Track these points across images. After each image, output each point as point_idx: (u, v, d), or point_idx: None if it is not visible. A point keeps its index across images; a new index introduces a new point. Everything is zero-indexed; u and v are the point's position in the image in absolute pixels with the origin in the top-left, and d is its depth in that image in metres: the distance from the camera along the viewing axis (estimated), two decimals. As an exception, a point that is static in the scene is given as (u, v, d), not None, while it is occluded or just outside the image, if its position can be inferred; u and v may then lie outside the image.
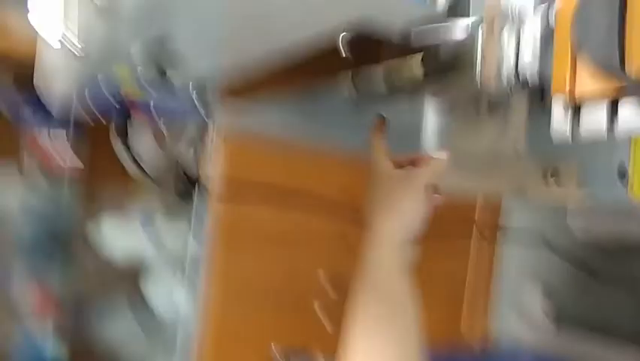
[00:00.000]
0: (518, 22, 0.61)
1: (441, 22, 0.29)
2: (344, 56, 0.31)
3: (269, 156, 1.28)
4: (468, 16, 0.29)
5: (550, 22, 0.59)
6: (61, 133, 1.08)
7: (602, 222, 1.00)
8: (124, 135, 0.63)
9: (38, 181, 1.10)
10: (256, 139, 1.07)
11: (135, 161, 0.67)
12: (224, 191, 1.23)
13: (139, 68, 0.39)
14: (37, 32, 0.60)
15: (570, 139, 0.54)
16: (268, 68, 0.42)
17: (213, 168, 1.23)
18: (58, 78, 0.58)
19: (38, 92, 0.92)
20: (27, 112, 1.10)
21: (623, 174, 0.76)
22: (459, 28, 0.29)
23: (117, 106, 0.61)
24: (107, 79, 0.53)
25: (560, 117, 0.55)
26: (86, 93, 0.61)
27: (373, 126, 0.59)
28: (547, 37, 0.60)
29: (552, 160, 0.71)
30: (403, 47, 0.31)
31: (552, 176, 0.72)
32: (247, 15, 0.30)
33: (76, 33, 0.31)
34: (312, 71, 0.44)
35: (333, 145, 0.74)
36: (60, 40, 0.30)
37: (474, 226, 1.51)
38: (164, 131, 1.31)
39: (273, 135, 0.70)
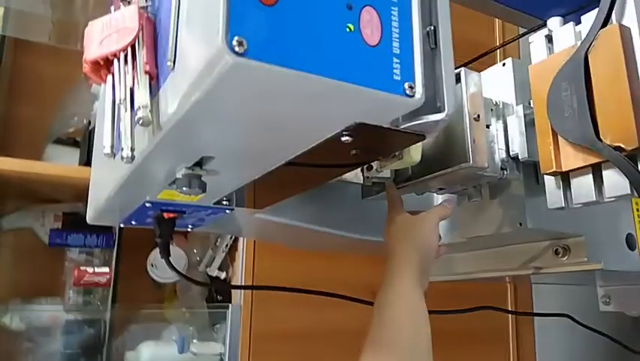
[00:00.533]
0: (502, 112, 0.69)
1: (422, 109, 0.35)
2: (347, 143, 0.37)
3: (291, 259, 1.34)
4: (443, 103, 0.35)
5: (531, 109, 0.66)
6: (103, 263, 1.17)
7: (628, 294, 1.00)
8: (167, 251, 0.69)
9: (78, 305, 1.15)
10: (280, 244, 1.13)
11: (180, 274, 0.72)
12: (251, 296, 1.26)
13: (184, 188, 0.46)
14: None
15: (566, 207, 0.58)
16: (283, 171, 0.49)
17: (241, 274, 1.28)
18: (104, 206, 0.64)
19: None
20: (72, 246, 1.19)
21: (632, 246, 0.78)
22: (439, 115, 0.35)
23: (160, 225, 0.68)
24: (152, 199, 0.60)
25: (552, 190, 0.60)
26: (131, 215, 0.68)
27: (389, 187, 0.69)
28: (531, 122, 0.66)
29: (560, 236, 0.74)
30: (399, 133, 0.37)
31: (562, 252, 0.74)
32: (264, 130, 0.37)
33: (128, 144, 0.38)
34: (324, 166, 0.50)
35: (349, 240, 0.79)
36: (111, 149, 0.37)
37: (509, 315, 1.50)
38: (194, 247, 1.38)
39: (292, 234, 0.75)
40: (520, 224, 0.68)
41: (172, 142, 0.39)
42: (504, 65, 0.73)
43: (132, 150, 0.36)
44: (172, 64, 0.35)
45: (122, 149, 0.36)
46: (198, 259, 1.38)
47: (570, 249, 0.74)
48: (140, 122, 0.36)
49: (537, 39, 0.64)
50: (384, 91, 0.31)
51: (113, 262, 1.17)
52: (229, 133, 0.36)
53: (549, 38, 0.64)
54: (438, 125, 0.36)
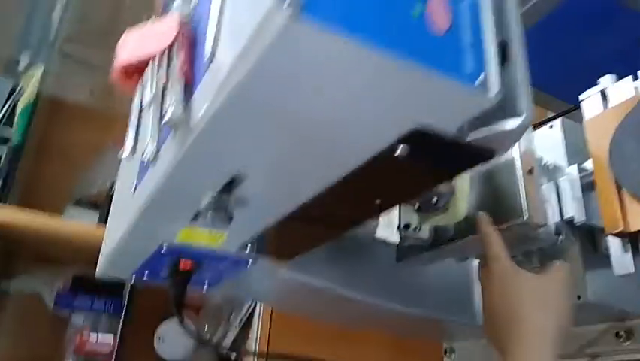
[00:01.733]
0: (553, 174, 0.64)
1: (493, 113, 0.30)
2: (400, 161, 0.31)
3: (309, 344, 1.23)
4: (519, 109, 0.30)
5: (587, 168, 0.61)
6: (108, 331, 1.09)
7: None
8: (180, 306, 0.62)
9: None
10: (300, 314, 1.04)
11: (191, 332, 0.64)
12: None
13: (208, 216, 0.41)
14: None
15: (636, 274, 0.51)
16: (313, 209, 0.43)
17: (257, 344, 1.18)
18: (117, 251, 0.60)
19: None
20: (78, 309, 1.12)
21: None
22: (511, 129, 0.30)
23: (175, 276, 0.62)
24: (169, 241, 0.55)
25: (619, 255, 0.53)
26: (144, 264, 0.63)
27: (482, 221, 0.55)
28: (587, 185, 0.61)
29: (623, 317, 0.65)
30: (465, 146, 0.31)
31: (625, 336, 0.65)
32: (309, 143, 0.32)
33: (154, 140, 0.33)
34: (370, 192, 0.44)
35: (377, 311, 0.71)
36: (131, 149, 0.33)
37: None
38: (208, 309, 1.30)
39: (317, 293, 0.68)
40: (579, 297, 0.60)
41: (203, 152, 0.34)
42: (551, 127, 0.68)
43: (157, 149, 0.32)
44: (210, 57, 0.31)
45: (147, 147, 0.32)
46: (210, 336, 1.28)
47: (634, 333, 0.65)
48: (170, 121, 0.32)
49: (591, 96, 0.61)
50: (455, 80, 0.27)
51: (119, 331, 1.08)
52: (268, 138, 0.32)
53: (603, 95, 0.60)
54: (512, 138, 0.31)
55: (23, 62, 1.28)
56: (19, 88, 1.24)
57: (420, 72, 0.26)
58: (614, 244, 0.53)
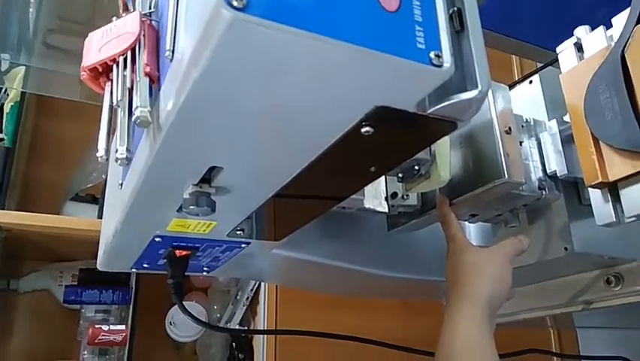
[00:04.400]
0: (534, 129, 0.64)
1: (456, 85, 0.31)
2: (367, 139, 0.32)
3: (317, 313, 1.26)
4: (475, 81, 0.31)
5: (567, 121, 0.61)
6: (120, 321, 1.12)
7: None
8: (180, 293, 0.64)
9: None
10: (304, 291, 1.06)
11: (194, 317, 0.66)
12: (274, 354, 1.18)
13: (191, 208, 0.42)
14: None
15: (618, 223, 0.52)
16: (298, 188, 0.44)
17: (265, 320, 1.21)
18: (113, 246, 0.61)
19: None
20: (87, 303, 1.15)
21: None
22: (472, 93, 0.30)
23: (172, 264, 0.64)
24: (161, 232, 0.56)
25: (600, 204, 0.54)
26: (142, 256, 0.64)
27: (440, 203, 0.60)
28: (567, 138, 0.62)
29: (612, 263, 0.67)
30: (427, 119, 0.31)
31: (615, 281, 0.67)
32: (275, 122, 0.32)
33: (124, 143, 0.34)
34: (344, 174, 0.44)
35: (377, 278, 0.73)
36: (105, 152, 0.34)
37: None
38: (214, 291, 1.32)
39: (315, 270, 0.69)
40: (566, 248, 0.61)
41: (175, 148, 0.35)
42: (530, 82, 0.69)
43: (128, 150, 0.33)
44: (170, 54, 0.32)
45: (117, 150, 0.33)
46: (219, 315, 1.31)
47: (623, 277, 0.66)
48: (138, 121, 0.33)
49: (566, 48, 0.61)
50: (408, 59, 0.27)
51: (130, 320, 1.11)
52: (235, 130, 0.32)
53: (578, 47, 0.60)
54: (471, 107, 0.31)
55: (4, 63, 1.27)
56: (3, 90, 1.24)
57: (372, 55, 0.26)
58: (594, 195, 0.54)
